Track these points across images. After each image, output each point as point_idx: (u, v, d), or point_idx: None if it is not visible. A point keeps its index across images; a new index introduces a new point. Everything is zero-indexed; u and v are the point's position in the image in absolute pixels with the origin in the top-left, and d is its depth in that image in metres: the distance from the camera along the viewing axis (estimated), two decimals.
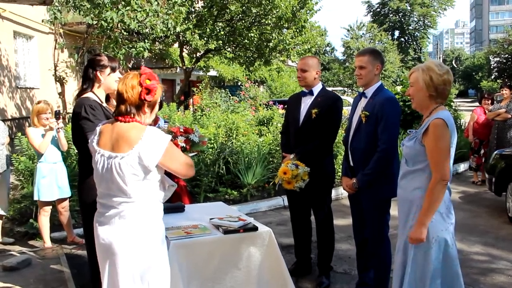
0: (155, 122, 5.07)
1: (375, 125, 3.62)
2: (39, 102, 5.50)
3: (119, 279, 2.49)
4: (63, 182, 5.48)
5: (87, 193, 3.39)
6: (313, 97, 4.28)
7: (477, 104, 10.01)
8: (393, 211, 3.33)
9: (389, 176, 3.54)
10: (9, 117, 12.37)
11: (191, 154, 4.11)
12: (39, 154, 5.39)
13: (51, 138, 5.33)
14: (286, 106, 4.83)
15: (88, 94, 3.49)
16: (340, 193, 7.84)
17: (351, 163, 3.86)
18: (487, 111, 9.05)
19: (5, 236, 5.83)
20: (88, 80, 3.55)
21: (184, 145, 3.89)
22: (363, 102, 3.80)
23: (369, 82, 3.75)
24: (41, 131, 5.38)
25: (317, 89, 4.32)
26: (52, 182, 5.37)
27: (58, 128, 5.34)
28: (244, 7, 15.74)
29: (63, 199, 5.51)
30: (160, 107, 4.56)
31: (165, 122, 5.23)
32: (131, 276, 2.49)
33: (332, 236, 4.41)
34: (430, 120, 2.78)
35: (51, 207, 5.52)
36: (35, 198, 5.42)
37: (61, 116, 5.36)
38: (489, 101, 9.35)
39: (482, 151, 9.09)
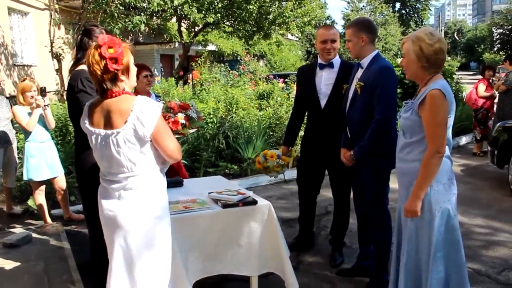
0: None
1: (371, 95, 3.52)
2: (23, 80, 5.39)
3: (127, 251, 2.49)
4: (53, 161, 5.39)
5: (85, 169, 3.36)
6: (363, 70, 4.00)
7: (479, 76, 9.90)
8: (393, 184, 3.28)
9: (387, 147, 3.46)
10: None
11: (191, 131, 4.05)
12: (27, 133, 5.30)
13: (38, 116, 5.23)
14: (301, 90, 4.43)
15: (83, 66, 3.41)
16: None
17: (349, 135, 3.80)
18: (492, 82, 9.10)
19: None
20: (83, 50, 3.46)
21: (184, 122, 3.83)
22: (359, 72, 3.69)
23: (359, 53, 3.66)
24: (27, 109, 5.27)
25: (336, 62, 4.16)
26: (41, 162, 5.28)
27: (44, 105, 5.23)
28: None
29: (60, 178, 5.45)
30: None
31: (156, 97, 5.12)
32: (138, 247, 2.48)
33: (348, 211, 4.37)
34: (427, 90, 2.70)
35: (44, 185, 5.47)
36: (25, 178, 5.38)
37: (47, 93, 5.24)
38: (492, 72, 9.40)
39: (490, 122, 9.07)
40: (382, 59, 3.67)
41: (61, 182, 5.49)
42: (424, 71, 2.77)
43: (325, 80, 4.12)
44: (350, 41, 3.67)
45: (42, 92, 5.23)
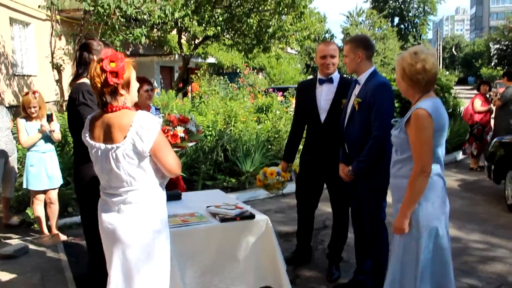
0: (146, 110, 5.00)
1: (368, 112, 3.59)
2: (26, 94, 5.39)
3: (126, 264, 2.50)
4: (53, 172, 5.37)
5: (84, 181, 3.37)
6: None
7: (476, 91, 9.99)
8: (389, 197, 3.30)
9: (385, 162, 3.50)
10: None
11: (190, 144, 4.08)
12: None
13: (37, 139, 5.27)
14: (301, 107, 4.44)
15: (85, 80, 3.44)
16: None
17: (347, 151, 3.83)
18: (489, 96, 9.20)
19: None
20: (84, 64, 3.48)
21: (183, 135, 3.85)
22: (356, 89, 3.77)
23: (355, 69, 3.74)
24: (35, 125, 5.27)
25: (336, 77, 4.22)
26: (41, 171, 5.28)
27: (50, 131, 5.24)
28: None
29: (52, 189, 5.41)
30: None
31: (156, 109, 5.16)
32: (137, 260, 2.50)
33: (347, 226, 4.38)
34: (413, 109, 2.73)
35: (44, 195, 5.43)
36: (24, 186, 5.39)
37: (53, 119, 5.21)
38: (487, 87, 9.52)
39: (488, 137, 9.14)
40: (379, 76, 3.74)
41: (52, 194, 5.42)
42: (412, 89, 2.81)
43: (325, 95, 4.16)
44: (346, 56, 3.75)
45: (48, 118, 5.21)
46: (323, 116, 4.15)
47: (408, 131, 2.74)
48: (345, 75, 4.20)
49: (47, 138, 5.34)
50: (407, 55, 2.79)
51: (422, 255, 2.73)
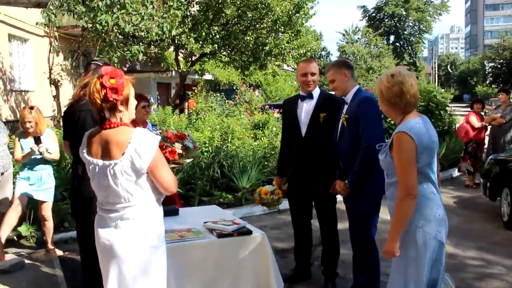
0: (143, 126, 5.02)
1: (356, 126, 3.75)
2: (24, 108, 5.39)
3: (122, 280, 2.50)
4: (36, 187, 5.31)
5: (80, 196, 3.38)
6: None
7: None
8: (386, 215, 3.30)
9: (377, 172, 3.53)
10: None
11: (188, 160, 4.12)
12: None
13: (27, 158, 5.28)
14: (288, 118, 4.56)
15: None
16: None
17: (341, 165, 3.96)
18: (484, 114, 9.25)
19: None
20: None
21: (181, 152, 3.90)
22: (345, 108, 3.94)
23: (345, 89, 3.91)
24: (30, 142, 5.23)
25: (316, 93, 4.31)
26: (25, 183, 5.28)
27: (40, 153, 5.18)
28: (239, 11, 15.80)
29: (45, 205, 5.37)
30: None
31: (153, 125, 5.19)
32: (134, 276, 2.50)
33: (337, 241, 4.39)
34: (394, 133, 2.72)
35: (21, 204, 5.31)
36: None
37: (41, 141, 5.16)
38: (480, 105, 9.62)
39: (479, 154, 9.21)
40: (363, 92, 3.93)
41: (46, 211, 5.38)
42: (393, 111, 2.81)
43: (305, 111, 4.28)
44: (334, 80, 3.91)
45: (36, 140, 5.14)
46: (303, 130, 4.25)
47: (392, 155, 2.73)
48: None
49: (39, 158, 5.30)
50: (384, 77, 2.79)
51: (424, 277, 2.69)
